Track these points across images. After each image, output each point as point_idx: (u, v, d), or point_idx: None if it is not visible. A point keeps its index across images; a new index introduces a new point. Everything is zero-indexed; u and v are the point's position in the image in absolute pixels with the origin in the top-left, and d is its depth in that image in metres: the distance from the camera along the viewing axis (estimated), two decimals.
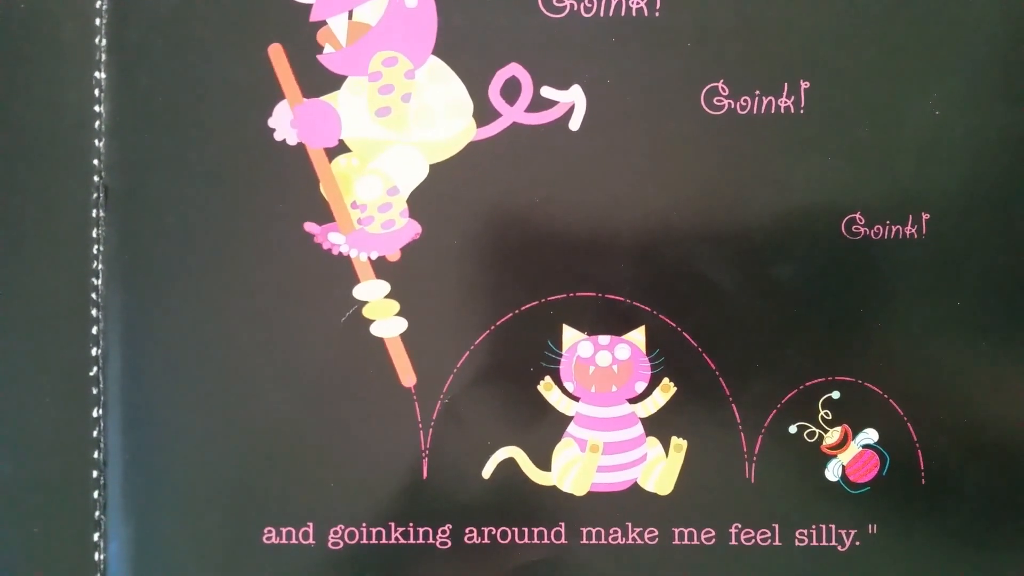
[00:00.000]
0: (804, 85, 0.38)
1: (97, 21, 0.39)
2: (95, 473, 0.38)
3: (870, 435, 0.37)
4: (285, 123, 0.38)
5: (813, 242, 0.38)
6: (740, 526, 0.37)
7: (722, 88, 0.38)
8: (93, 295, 0.38)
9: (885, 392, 0.37)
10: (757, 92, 0.38)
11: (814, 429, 0.37)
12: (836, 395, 0.37)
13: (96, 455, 0.38)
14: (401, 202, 0.38)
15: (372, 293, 0.38)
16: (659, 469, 0.37)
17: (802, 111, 0.38)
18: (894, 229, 0.38)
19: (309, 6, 0.38)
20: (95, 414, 0.38)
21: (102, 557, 0.38)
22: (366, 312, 0.38)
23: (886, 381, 0.37)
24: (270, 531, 0.37)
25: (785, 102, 0.38)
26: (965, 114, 0.38)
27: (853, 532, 0.37)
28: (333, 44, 0.38)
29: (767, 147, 0.38)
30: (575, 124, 0.38)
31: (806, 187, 0.38)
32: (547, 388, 0.37)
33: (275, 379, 0.37)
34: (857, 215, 0.38)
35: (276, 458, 0.37)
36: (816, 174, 0.38)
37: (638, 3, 0.38)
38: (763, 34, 0.38)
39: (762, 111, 0.38)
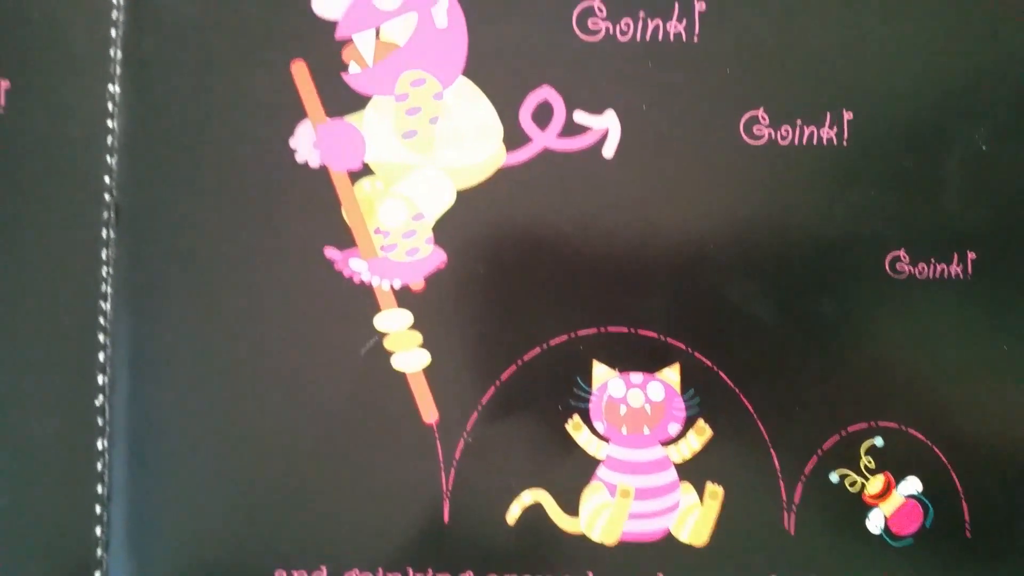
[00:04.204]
0: (847, 115, 0.36)
1: (112, 32, 0.37)
2: (98, 508, 0.36)
3: (913, 484, 0.36)
4: (307, 144, 0.36)
5: (855, 279, 0.36)
6: None
7: (762, 117, 0.36)
8: (101, 319, 0.36)
9: (929, 439, 0.36)
10: (799, 122, 0.36)
11: (856, 478, 0.36)
12: (879, 441, 0.36)
13: (99, 490, 0.36)
14: (426, 229, 0.36)
15: (394, 324, 0.36)
16: (694, 517, 0.35)
17: (845, 142, 0.36)
18: (939, 268, 0.36)
19: (335, 23, 0.37)
20: (100, 446, 0.36)
21: None
22: (387, 344, 0.36)
23: (930, 427, 0.36)
24: (281, 574, 0.35)
25: (828, 133, 0.36)
26: (1013, 149, 0.36)
27: None
28: (359, 62, 0.37)
29: (808, 179, 0.36)
30: (609, 151, 0.36)
31: (848, 222, 0.36)
32: (576, 428, 0.36)
33: (290, 413, 0.36)
34: (901, 252, 0.36)
35: (289, 497, 0.36)
36: (859, 209, 0.36)
37: (676, 27, 0.37)
38: (805, 62, 0.37)
39: (804, 142, 0.36)
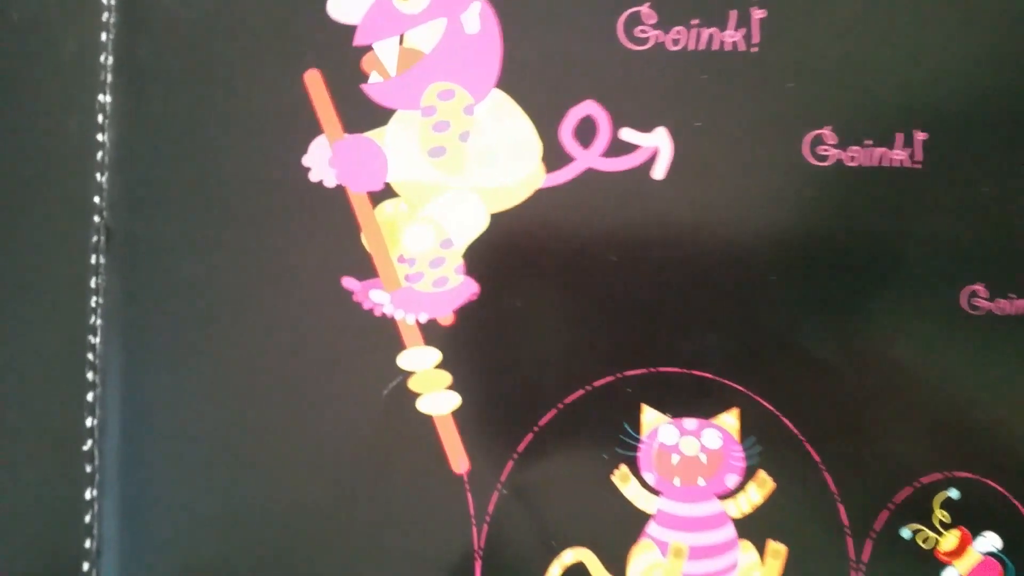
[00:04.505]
0: (920, 136, 0.33)
1: (103, 36, 0.34)
2: (86, 566, 0.33)
3: (992, 541, 0.33)
4: (323, 162, 0.33)
5: (929, 316, 0.33)
6: None
7: (828, 136, 0.33)
8: (90, 355, 0.34)
9: (1009, 491, 0.33)
10: (868, 142, 0.33)
11: (929, 533, 0.33)
12: (954, 494, 0.33)
13: (88, 544, 0.33)
14: (456, 256, 0.33)
15: (420, 362, 0.33)
16: None
17: (918, 165, 0.33)
18: (1020, 304, 0.33)
19: (353, 28, 0.34)
20: (88, 496, 0.33)
21: None
22: (412, 384, 0.33)
23: (1009, 479, 0.33)
24: None
25: (899, 154, 0.33)
26: None
27: None
28: (380, 72, 0.34)
29: (878, 205, 0.33)
30: (659, 172, 0.33)
31: (922, 253, 0.33)
32: (623, 479, 0.33)
33: (304, 462, 0.33)
34: (979, 286, 0.33)
35: (303, 554, 0.33)
36: (933, 238, 0.33)
37: (733, 36, 0.34)
38: (875, 76, 0.34)
39: (873, 163, 0.33)
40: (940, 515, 0.33)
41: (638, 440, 0.33)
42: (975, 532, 0.33)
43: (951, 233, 0.33)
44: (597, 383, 0.33)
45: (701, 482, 0.33)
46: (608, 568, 0.33)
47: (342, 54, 0.34)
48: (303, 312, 0.33)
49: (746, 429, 0.33)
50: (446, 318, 0.33)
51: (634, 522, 0.33)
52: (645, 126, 0.34)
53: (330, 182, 0.33)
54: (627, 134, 0.34)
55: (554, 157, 0.34)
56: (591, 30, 0.34)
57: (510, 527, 0.33)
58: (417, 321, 0.33)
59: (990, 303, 0.33)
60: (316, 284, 0.33)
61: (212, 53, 0.34)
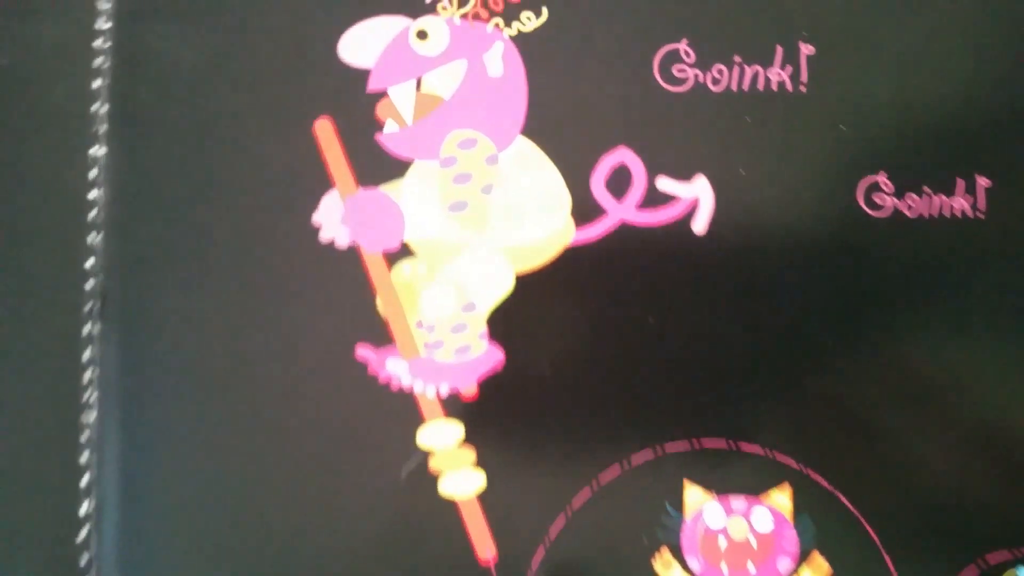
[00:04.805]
0: (983, 182, 0.31)
1: (97, 82, 0.33)
2: None
3: None
4: (334, 219, 0.31)
5: (995, 378, 0.30)
6: None
7: (884, 183, 0.31)
8: (84, 435, 0.31)
9: None
10: (925, 189, 0.31)
11: None
12: (1023, 574, 0.30)
13: None
14: (479, 322, 0.31)
15: (441, 439, 0.31)
16: None
17: (981, 214, 0.31)
18: None
19: (367, 72, 0.31)
20: None
21: None
22: (434, 464, 0.31)
23: None
24: None
25: (961, 203, 0.31)
26: None
27: None
28: (396, 120, 0.31)
29: (939, 258, 0.31)
30: (700, 225, 0.31)
31: (986, 310, 0.30)
32: (665, 566, 0.30)
33: (317, 550, 0.30)
34: None
35: None
36: (999, 293, 0.31)
37: (779, 75, 0.31)
38: (931, 118, 0.31)
39: (933, 213, 0.31)
40: None
41: (681, 521, 0.30)
42: None
43: (1018, 287, 0.31)
44: (635, 459, 0.30)
45: (751, 568, 0.30)
46: None
47: (355, 101, 0.32)
48: (314, 385, 0.31)
49: (799, 507, 0.30)
50: (469, 389, 0.31)
51: None
52: (684, 175, 0.31)
53: (342, 241, 0.31)
54: (664, 184, 0.31)
55: (585, 210, 0.31)
56: (624, 70, 0.32)
57: None
58: (438, 393, 0.31)
59: None
60: (328, 354, 0.31)
61: (215, 101, 0.32)
